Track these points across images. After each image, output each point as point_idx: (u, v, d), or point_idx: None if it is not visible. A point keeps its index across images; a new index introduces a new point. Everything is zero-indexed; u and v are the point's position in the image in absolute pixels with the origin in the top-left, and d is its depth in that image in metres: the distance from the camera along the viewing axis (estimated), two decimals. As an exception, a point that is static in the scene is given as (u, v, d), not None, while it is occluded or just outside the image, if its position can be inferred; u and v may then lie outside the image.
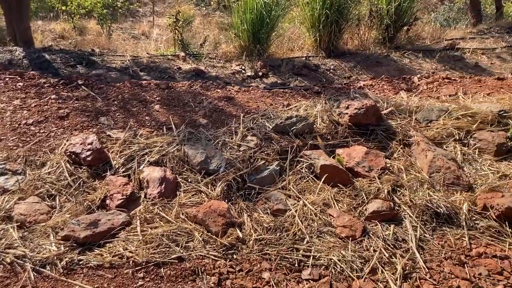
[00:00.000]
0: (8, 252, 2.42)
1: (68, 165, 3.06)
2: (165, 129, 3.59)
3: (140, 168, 3.16)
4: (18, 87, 3.99)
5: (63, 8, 9.08)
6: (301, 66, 5.90)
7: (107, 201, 2.88)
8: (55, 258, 2.40)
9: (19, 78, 4.13)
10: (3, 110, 3.61)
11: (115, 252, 2.48)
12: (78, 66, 5.00)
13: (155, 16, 11.18)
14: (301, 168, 3.48)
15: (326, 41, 6.48)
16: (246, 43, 6.17)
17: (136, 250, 2.50)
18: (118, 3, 9.62)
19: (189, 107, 4.02)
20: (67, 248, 2.46)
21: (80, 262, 2.40)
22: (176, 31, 6.44)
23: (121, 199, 2.87)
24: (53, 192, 2.89)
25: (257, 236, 2.75)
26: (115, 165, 3.16)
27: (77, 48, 6.41)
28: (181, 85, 4.52)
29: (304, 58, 6.37)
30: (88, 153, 3.13)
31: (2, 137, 3.29)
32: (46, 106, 3.71)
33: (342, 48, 6.85)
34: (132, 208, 2.89)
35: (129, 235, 2.62)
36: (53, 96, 3.87)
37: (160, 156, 3.26)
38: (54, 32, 8.76)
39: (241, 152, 3.49)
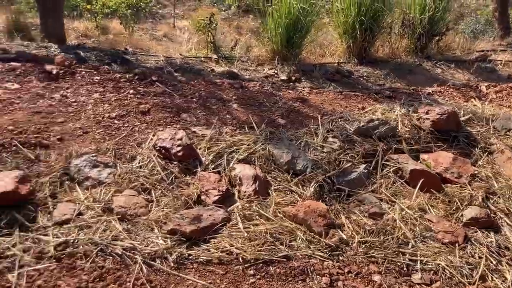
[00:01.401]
0: (116, 244, 2.47)
1: (159, 160, 3.13)
2: (246, 128, 3.66)
3: (231, 165, 3.21)
4: (96, 80, 4.13)
5: (88, 7, 9.34)
6: (334, 72, 6.02)
7: (203, 197, 2.94)
8: (165, 252, 2.44)
9: (95, 72, 4.27)
10: (84, 103, 3.74)
11: (222, 248, 2.52)
12: (112, 64, 5.11)
13: (175, 18, 11.40)
14: (388, 172, 3.49)
15: (358, 48, 6.61)
16: (279, 47, 6.27)
17: (243, 246, 2.53)
18: (142, 3, 9.85)
19: (264, 107, 4.09)
20: (174, 242, 2.51)
21: (190, 257, 2.44)
22: (209, 33, 6.50)
23: (217, 195, 2.93)
24: (147, 186, 2.95)
25: (360, 238, 2.77)
26: (205, 161, 3.22)
27: (109, 47, 6.56)
28: (252, 85, 4.61)
29: (336, 64, 6.48)
30: (179, 148, 3.20)
31: (89, 130, 3.39)
32: (126, 101, 3.82)
33: (373, 55, 6.96)
34: (228, 204, 2.94)
35: (232, 231, 2.66)
36: (131, 91, 3.98)
37: (248, 154, 3.32)
38: (77, 30, 8.90)
39: (325, 154, 3.52)
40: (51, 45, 5.58)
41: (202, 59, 6.08)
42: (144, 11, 10.54)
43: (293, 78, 5.65)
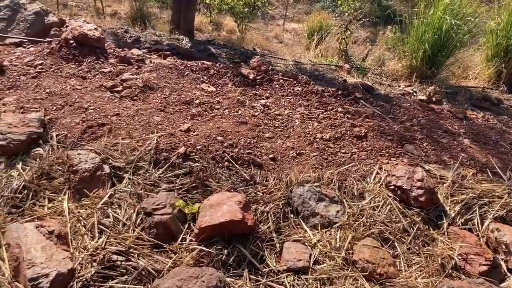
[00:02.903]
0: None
1: (396, 203, 2.57)
2: (489, 172, 2.94)
3: (486, 224, 2.52)
4: (297, 92, 3.79)
5: (206, 1, 9.53)
6: (480, 98, 5.14)
7: (460, 262, 2.31)
8: None
9: (294, 82, 3.93)
10: (290, 118, 3.39)
11: None
12: (242, 64, 4.87)
13: (285, 20, 11.31)
14: None
15: (509, 74, 5.65)
16: (418, 64, 5.75)
17: None
18: (259, 3, 9.81)
19: (501, 147, 3.33)
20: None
21: None
22: (343, 41, 6.33)
23: (484, 264, 2.29)
24: (387, 235, 2.43)
25: None
26: (450, 212, 2.59)
27: (234, 45, 6.51)
28: (474, 116, 3.89)
29: (480, 89, 5.57)
30: (420, 192, 2.63)
31: (302, 151, 3.01)
32: (336, 120, 3.39)
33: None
34: (496, 278, 2.26)
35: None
36: (339, 109, 3.57)
37: (506, 211, 2.60)
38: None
39: None
40: (183, 38, 5.68)
41: (333, 67, 5.71)
42: (260, 10, 10.64)
43: (434, 99, 4.94)
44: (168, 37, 5.65)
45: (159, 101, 3.42)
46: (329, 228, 2.55)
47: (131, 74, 3.71)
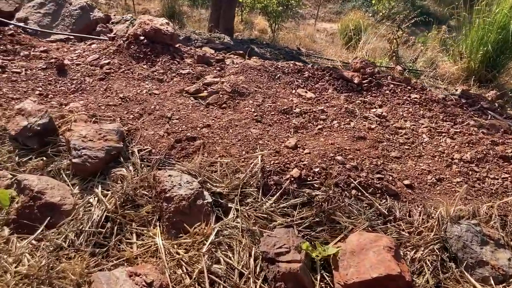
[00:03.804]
0: None
1: None
2: None
3: None
4: (414, 100, 3.21)
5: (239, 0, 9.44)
6: None
7: None
8: None
9: (408, 87, 3.34)
10: (414, 132, 2.81)
11: None
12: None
13: (316, 20, 11.14)
14: None
15: None
16: (477, 66, 5.13)
17: None
18: (293, 1, 9.49)
19: None
20: None
21: None
22: (395, 41, 6.01)
23: None
24: None
25: None
26: None
27: (277, 44, 6.22)
28: None
29: None
30: None
31: (441, 176, 2.44)
32: (471, 136, 2.83)
33: None
34: None
35: None
36: (471, 122, 2.95)
37: None
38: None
39: None
40: (224, 36, 5.44)
41: (383, 68, 5.25)
42: (293, 9, 10.38)
43: (496, 105, 4.25)
44: (208, 35, 5.37)
45: (253, 110, 2.91)
46: (505, 284, 1.93)
47: (214, 77, 3.22)
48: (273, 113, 2.93)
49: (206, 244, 1.97)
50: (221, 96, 3.02)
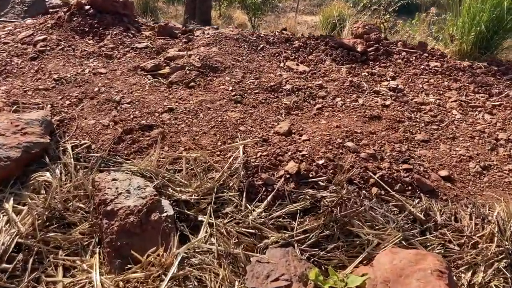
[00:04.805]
0: None
1: None
2: None
3: None
4: (435, 69, 2.64)
5: None
6: None
7: None
8: None
9: (425, 55, 2.76)
10: (442, 108, 2.24)
11: None
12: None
13: (296, 13, 11.08)
14: None
15: None
16: (469, 48, 4.70)
17: None
18: None
19: None
20: None
21: None
22: (382, 25, 5.84)
23: None
24: None
25: None
26: None
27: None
28: None
29: None
30: None
31: (487, 163, 1.91)
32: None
33: None
34: None
35: None
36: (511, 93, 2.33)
37: None
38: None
39: None
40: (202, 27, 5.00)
41: None
42: (273, 2, 10.30)
43: None
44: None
45: (230, 88, 2.28)
46: None
47: (179, 50, 2.58)
48: (256, 91, 2.30)
49: (165, 280, 1.33)
50: (188, 72, 2.37)
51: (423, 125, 2.17)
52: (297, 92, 2.35)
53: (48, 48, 2.68)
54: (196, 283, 1.36)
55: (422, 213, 1.65)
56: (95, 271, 1.45)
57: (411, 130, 2.11)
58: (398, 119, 2.16)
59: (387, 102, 2.30)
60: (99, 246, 1.55)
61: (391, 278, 1.34)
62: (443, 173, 1.85)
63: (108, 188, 1.65)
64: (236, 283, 1.37)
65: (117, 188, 1.65)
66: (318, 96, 2.34)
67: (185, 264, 1.41)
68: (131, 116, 2.03)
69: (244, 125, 2.01)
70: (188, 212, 1.62)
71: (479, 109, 2.34)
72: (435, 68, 2.67)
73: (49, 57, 2.61)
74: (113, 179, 1.70)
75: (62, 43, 2.73)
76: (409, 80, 2.54)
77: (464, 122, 2.22)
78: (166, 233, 1.51)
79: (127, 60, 2.55)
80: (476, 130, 2.16)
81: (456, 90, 2.46)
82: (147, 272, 1.39)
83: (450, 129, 2.16)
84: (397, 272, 1.35)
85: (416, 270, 1.35)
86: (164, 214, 1.54)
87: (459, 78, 2.62)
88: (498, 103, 2.38)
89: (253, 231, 1.56)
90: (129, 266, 1.45)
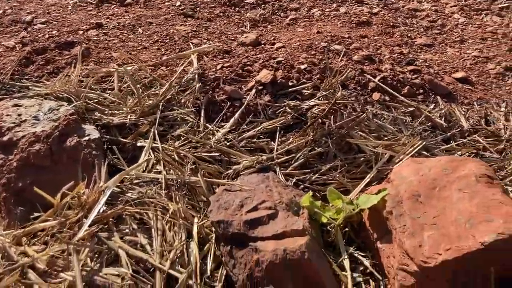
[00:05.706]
0: None
1: None
2: None
3: None
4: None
5: None
6: None
7: None
8: None
9: None
10: (441, 13, 1.89)
11: None
12: None
13: None
14: None
15: None
16: None
17: None
18: None
19: None
20: None
21: None
22: None
23: None
24: None
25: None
26: None
27: None
28: None
29: None
30: None
31: (504, 59, 1.44)
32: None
33: None
34: None
35: None
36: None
37: None
38: None
39: None
40: None
41: None
42: None
43: None
44: None
45: (178, 4, 1.81)
46: None
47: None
48: (212, 5, 1.85)
49: (85, 224, 0.87)
50: (122, -12, 1.89)
51: (422, 30, 1.78)
52: (263, 6, 1.92)
53: None
54: (135, 226, 0.92)
55: (442, 119, 1.25)
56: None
57: (409, 34, 1.72)
58: (391, 24, 1.77)
59: (375, 10, 1.90)
60: (-6, 194, 1.08)
61: (421, 192, 0.93)
62: (458, 75, 1.47)
63: (7, 115, 1.18)
64: (196, 219, 0.93)
65: (19, 115, 1.18)
66: (290, 8, 1.92)
67: (118, 202, 0.97)
68: (46, 36, 1.56)
69: (198, 38, 1.57)
70: (124, 140, 1.16)
71: (485, 12, 1.98)
72: None
73: None
74: (15, 105, 1.23)
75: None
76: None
77: (471, 25, 1.86)
78: (88, 163, 1.05)
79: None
80: (487, 31, 1.79)
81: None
82: (62, 218, 0.94)
83: (455, 32, 1.78)
84: (428, 183, 0.95)
85: (455, 179, 0.95)
86: (86, 138, 1.09)
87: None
88: (506, 4, 2.03)
89: (218, 155, 1.13)
90: (36, 215, 0.99)
